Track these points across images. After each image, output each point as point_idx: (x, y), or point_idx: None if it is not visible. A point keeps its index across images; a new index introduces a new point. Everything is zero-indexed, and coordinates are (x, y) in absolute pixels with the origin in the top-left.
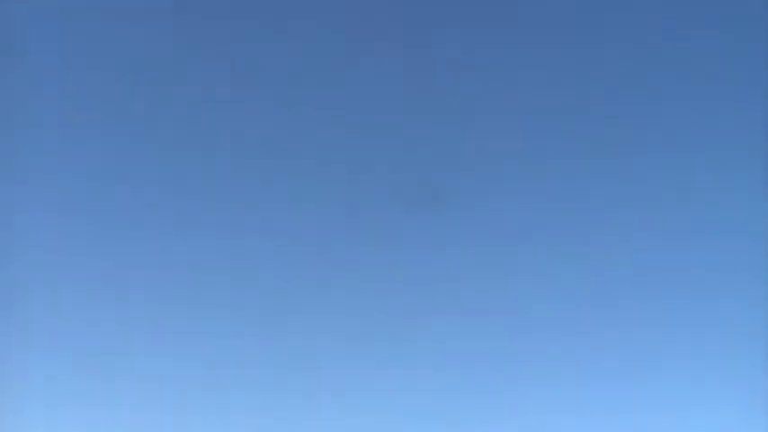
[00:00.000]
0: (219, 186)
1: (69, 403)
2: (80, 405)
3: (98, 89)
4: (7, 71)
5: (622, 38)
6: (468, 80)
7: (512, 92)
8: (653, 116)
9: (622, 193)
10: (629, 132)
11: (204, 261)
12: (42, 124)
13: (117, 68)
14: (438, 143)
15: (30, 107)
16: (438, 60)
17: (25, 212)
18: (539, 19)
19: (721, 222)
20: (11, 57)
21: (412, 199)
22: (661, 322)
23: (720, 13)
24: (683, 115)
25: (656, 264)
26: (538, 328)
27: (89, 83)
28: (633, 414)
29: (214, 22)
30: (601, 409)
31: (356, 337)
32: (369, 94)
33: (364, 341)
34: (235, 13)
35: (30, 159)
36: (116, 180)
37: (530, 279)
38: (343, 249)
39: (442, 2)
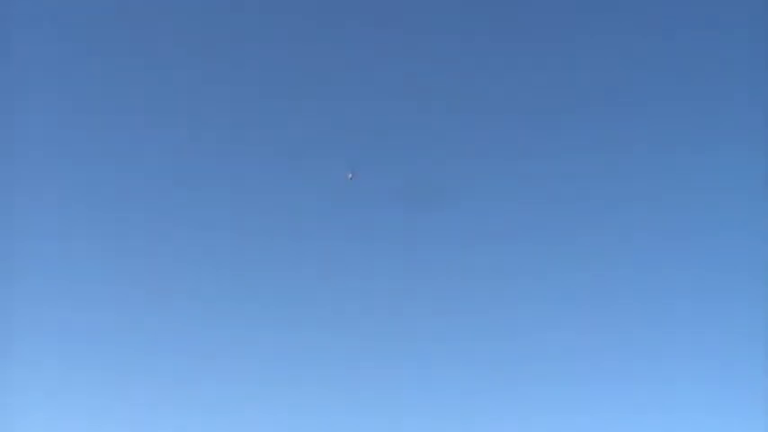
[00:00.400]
0: (222, 186)
1: (69, 401)
2: (79, 403)
3: (98, 89)
4: (7, 71)
5: (622, 39)
6: (469, 81)
7: (513, 93)
8: (653, 116)
9: (622, 193)
10: (629, 133)
11: (207, 261)
12: (42, 124)
13: (116, 69)
14: (439, 144)
15: (29, 106)
16: (442, 63)
17: (25, 213)
18: (540, 21)
19: (721, 222)
20: (10, 57)
21: (412, 199)
22: (661, 322)
23: (721, 14)
24: (683, 115)
25: (656, 264)
26: (538, 328)
27: (89, 83)
28: (633, 414)
29: (214, 23)
30: (601, 409)
31: (356, 336)
32: (370, 95)
33: (364, 340)
34: (236, 14)
35: (30, 159)
36: (115, 180)
37: (529, 279)
38: (344, 249)
39: (443, 7)
